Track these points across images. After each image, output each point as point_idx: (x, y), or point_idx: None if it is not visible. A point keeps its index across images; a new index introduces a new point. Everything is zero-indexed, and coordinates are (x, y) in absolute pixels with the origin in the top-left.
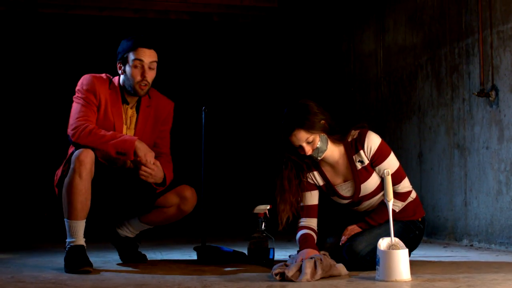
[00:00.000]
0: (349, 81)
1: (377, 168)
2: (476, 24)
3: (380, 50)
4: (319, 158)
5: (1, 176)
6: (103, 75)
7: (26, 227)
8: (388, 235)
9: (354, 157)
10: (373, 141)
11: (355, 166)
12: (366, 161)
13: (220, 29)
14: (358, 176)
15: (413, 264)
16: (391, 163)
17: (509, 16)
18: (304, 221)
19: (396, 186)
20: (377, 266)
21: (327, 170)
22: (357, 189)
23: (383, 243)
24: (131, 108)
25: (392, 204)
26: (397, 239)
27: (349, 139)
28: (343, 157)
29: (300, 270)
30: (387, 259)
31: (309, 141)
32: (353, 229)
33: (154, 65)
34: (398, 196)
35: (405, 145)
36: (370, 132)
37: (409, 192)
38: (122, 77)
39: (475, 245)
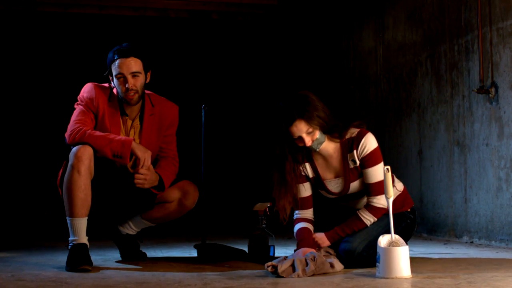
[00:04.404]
0: (349, 78)
1: (363, 171)
2: (476, 21)
3: (380, 47)
4: (317, 150)
5: (1, 175)
6: (106, 84)
7: (27, 225)
8: (381, 230)
9: (348, 155)
10: (370, 143)
11: (348, 164)
12: (358, 162)
13: (219, 27)
14: (349, 174)
15: (414, 261)
16: (378, 172)
17: (509, 13)
18: (300, 213)
19: (373, 198)
20: (377, 263)
21: (319, 164)
22: (346, 186)
23: (383, 240)
24: (132, 119)
25: (364, 217)
26: (397, 236)
27: (347, 136)
28: (338, 153)
29: (292, 266)
30: (388, 256)
31: (309, 131)
32: (321, 237)
33: (137, 74)
34: (371, 210)
35: (405, 142)
36: (369, 134)
37: (383, 209)
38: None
39: (475, 242)
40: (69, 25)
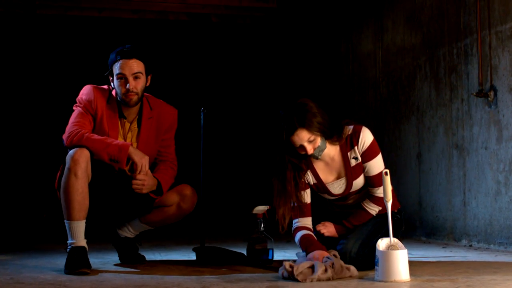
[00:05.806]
0: (348, 81)
1: (365, 164)
2: (475, 24)
3: (379, 50)
4: (319, 157)
5: (0, 178)
6: (105, 86)
7: (25, 228)
8: (372, 228)
9: (349, 153)
10: (367, 137)
11: (349, 163)
12: (360, 158)
13: (218, 30)
14: (351, 172)
15: (412, 264)
16: (379, 163)
17: (508, 16)
18: (300, 221)
19: (376, 189)
20: (376, 267)
21: (319, 169)
22: (348, 185)
23: (382, 244)
24: (131, 122)
25: (370, 208)
26: (396, 239)
27: (344, 136)
28: (338, 154)
29: (311, 269)
30: (386, 260)
31: (311, 140)
32: (329, 226)
33: (139, 75)
34: (375, 200)
35: (404, 145)
36: (364, 128)
37: None
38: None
39: (474, 245)
40: (68, 28)
